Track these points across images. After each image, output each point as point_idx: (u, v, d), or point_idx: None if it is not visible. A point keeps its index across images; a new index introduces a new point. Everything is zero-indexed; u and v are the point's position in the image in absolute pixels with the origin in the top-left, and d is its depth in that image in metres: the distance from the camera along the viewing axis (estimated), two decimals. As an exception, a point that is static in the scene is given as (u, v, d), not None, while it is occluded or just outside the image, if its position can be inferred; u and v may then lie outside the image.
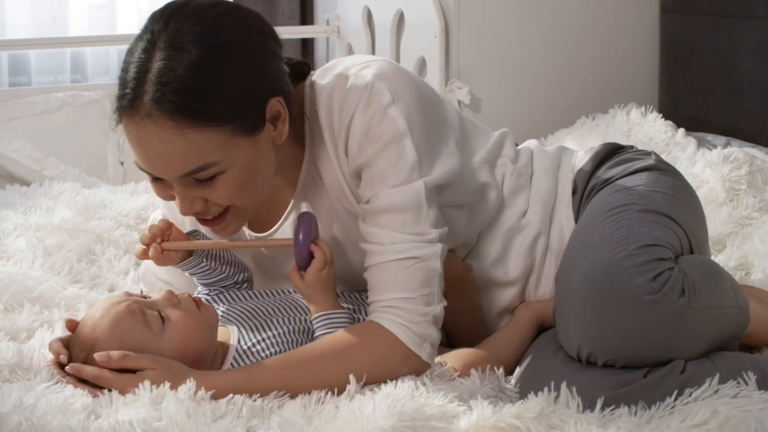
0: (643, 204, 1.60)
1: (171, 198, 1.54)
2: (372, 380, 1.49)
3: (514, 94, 3.05)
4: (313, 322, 1.58)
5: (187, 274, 1.67)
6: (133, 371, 1.44)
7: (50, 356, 1.52)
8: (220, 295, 1.67)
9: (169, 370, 1.44)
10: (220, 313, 1.60)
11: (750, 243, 2.08)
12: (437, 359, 1.57)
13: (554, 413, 1.36)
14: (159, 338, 1.48)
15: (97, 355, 1.44)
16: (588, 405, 1.40)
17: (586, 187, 1.74)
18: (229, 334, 1.58)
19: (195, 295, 1.66)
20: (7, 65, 3.74)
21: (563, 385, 1.41)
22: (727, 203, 2.25)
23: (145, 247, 1.60)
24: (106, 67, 3.83)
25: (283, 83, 1.54)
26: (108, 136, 3.13)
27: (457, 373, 1.55)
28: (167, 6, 1.50)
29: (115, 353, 1.44)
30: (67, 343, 1.51)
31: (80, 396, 1.41)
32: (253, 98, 1.50)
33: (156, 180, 1.52)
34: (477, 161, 1.70)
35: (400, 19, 3.17)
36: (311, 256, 1.57)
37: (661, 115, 2.83)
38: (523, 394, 1.49)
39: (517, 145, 1.82)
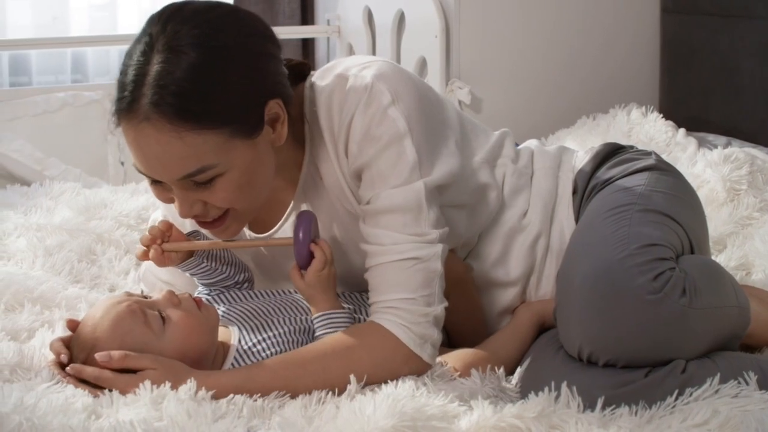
0: (644, 204, 1.60)
1: (170, 201, 1.54)
2: (373, 381, 1.49)
3: (514, 94, 3.05)
4: (314, 321, 1.58)
5: (187, 274, 1.67)
6: (133, 371, 1.44)
7: (51, 356, 1.52)
8: (221, 295, 1.67)
9: (169, 370, 1.44)
10: (220, 313, 1.61)
11: (750, 243, 2.08)
12: (438, 359, 1.57)
13: (555, 413, 1.36)
14: (160, 338, 1.48)
15: (97, 355, 1.45)
16: (588, 405, 1.40)
17: (586, 187, 1.74)
18: (229, 334, 1.58)
19: (195, 295, 1.66)
20: (7, 65, 3.74)
21: (564, 385, 1.41)
22: (727, 203, 2.25)
23: (145, 248, 1.60)
24: (107, 67, 3.83)
25: (282, 86, 1.54)
26: (107, 138, 3.13)
27: (458, 373, 1.55)
28: (165, 9, 1.50)
29: (115, 353, 1.44)
30: (67, 343, 1.52)
31: (81, 396, 1.41)
32: (252, 101, 1.50)
33: (155, 183, 1.52)
34: (477, 161, 1.70)
35: (401, 19, 3.17)
36: (311, 255, 1.56)
37: (661, 115, 2.83)
38: (523, 394, 1.49)
39: (517, 145, 1.82)
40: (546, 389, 1.41)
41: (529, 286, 1.74)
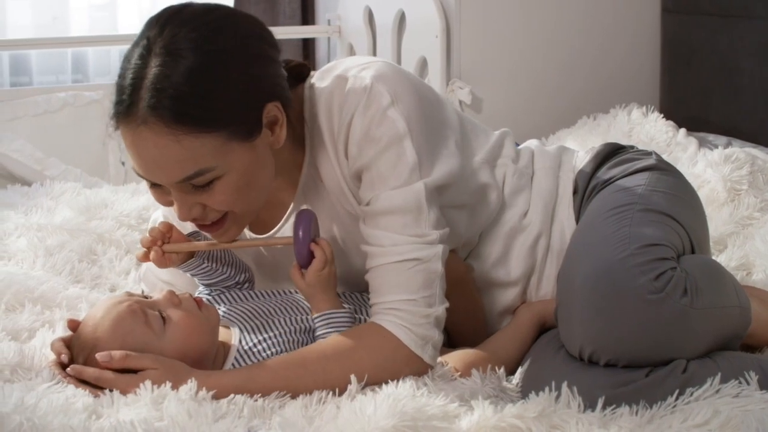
0: (645, 204, 1.60)
1: (170, 204, 1.54)
2: (374, 382, 1.48)
3: (515, 94, 3.05)
4: (314, 321, 1.58)
5: (188, 275, 1.67)
6: (134, 371, 1.44)
7: (51, 356, 1.52)
8: (222, 296, 1.67)
9: (170, 370, 1.44)
10: (221, 313, 1.61)
11: (751, 243, 2.08)
12: (438, 359, 1.57)
13: (555, 413, 1.36)
14: (160, 338, 1.48)
15: (98, 355, 1.45)
16: (589, 405, 1.40)
17: (587, 187, 1.74)
18: (230, 334, 1.58)
19: (196, 295, 1.66)
20: (8, 65, 3.74)
21: (564, 385, 1.41)
22: (728, 203, 2.25)
23: (146, 250, 1.60)
24: (108, 67, 3.83)
25: (281, 88, 1.54)
26: (105, 142, 3.13)
27: (459, 373, 1.55)
28: (163, 12, 1.50)
29: (116, 353, 1.44)
30: (68, 343, 1.52)
31: (81, 396, 1.41)
32: (250, 104, 1.49)
33: (154, 186, 1.52)
34: (477, 161, 1.70)
35: (402, 19, 3.17)
36: (312, 254, 1.56)
37: (662, 115, 2.83)
38: (524, 394, 1.49)
39: (517, 145, 1.82)
40: (546, 389, 1.41)
41: (529, 286, 1.74)
